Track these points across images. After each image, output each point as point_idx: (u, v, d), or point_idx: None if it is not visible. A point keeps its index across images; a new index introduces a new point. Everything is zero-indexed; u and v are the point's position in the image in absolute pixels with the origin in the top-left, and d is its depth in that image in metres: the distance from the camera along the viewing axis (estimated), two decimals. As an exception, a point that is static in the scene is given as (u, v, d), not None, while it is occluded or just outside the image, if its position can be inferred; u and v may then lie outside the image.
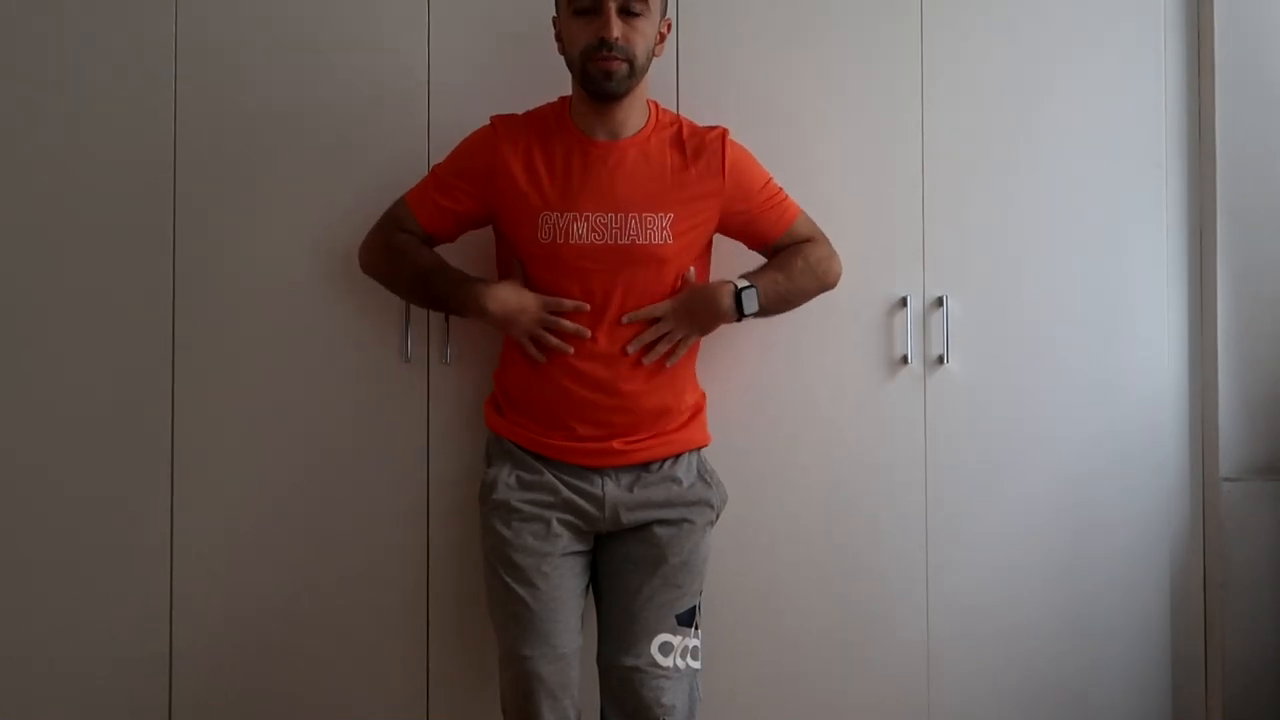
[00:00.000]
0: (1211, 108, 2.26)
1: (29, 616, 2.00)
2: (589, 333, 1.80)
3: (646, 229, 1.80)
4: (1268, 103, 2.28)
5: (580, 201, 1.79)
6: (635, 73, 1.77)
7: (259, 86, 2.04)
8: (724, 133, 1.88)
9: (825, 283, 1.96)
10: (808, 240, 1.94)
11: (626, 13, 1.74)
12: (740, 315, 1.85)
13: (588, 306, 1.80)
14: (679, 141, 1.86)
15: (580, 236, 1.79)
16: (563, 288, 1.81)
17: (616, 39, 1.73)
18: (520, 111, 1.90)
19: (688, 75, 2.09)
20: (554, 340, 1.80)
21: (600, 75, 1.75)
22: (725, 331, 1.95)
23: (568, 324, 1.79)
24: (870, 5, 2.16)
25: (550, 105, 1.89)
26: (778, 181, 1.94)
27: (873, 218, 2.13)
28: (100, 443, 2.01)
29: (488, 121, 1.88)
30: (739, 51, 2.13)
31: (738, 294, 1.83)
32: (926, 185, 2.16)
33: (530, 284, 1.84)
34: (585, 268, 1.80)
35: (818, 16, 2.15)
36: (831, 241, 1.99)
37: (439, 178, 1.88)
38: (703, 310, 1.84)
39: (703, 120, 1.92)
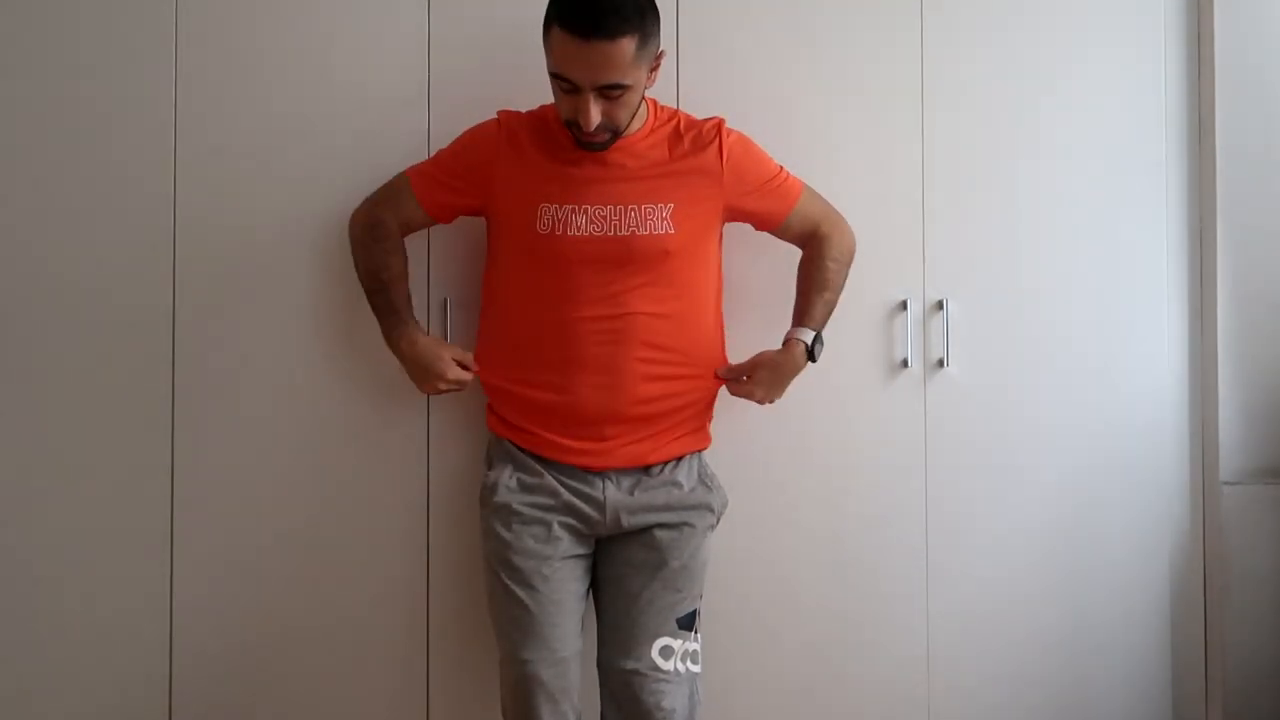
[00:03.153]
0: (1211, 108, 2.26)
1: (29, 623, 1.99)
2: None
3: (647, 220, 1.79)
4: (1268, 104, 2.28)
5: (580, 194, 1.79)
6: (620, 134, 1.77)
7: (259, 87, 2.04)
8: (720, 121, 1.88)
9: (852, 260, 2.00)
10: (819, 225, 1.94)
11: (606, 96, 1.70)
12: (814, 360, 1.93)
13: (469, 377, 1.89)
14: (676, 134, 1.86)
15: (580, 228, 1.79)
16: (561, 280, 1.80)
17: (595, 125, 1.70)
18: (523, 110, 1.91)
19: (688, 76, 2.09)
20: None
21: (584, 144, 1.76)
22: (725, 334, 1.96)
23: (466, 382, 1.89)
24: (870, 8, 2.15)
25: (550, 106, 1.88)
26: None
27: (873, 221, 2.12)
28: (100, 445, 2.00)
29: (495, 113, 1.88)
30: (739, 53, 2.12)
31: (810, 350, 1.90)
32: (926, 188, 2.16)
33: (526, 280, 1.84)
34: (584, 260, 1.79)
35: (817, 18, 2.14)
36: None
37: (442, 164, 1.89)
38: (787, 378, 1.93)
39: (702, 120, 1.92)
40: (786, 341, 1.91)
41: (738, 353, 1.95)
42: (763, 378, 1.90)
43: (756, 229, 1.95)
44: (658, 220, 1.80)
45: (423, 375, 1.88)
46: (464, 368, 1.89)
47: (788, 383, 1.93)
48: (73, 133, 2.00)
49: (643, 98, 1.80)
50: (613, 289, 1.80)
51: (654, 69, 1.78)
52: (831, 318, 1.97)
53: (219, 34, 2.03)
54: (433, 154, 1.95)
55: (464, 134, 1.90)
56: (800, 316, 1.93)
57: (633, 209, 1.79)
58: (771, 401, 1.94)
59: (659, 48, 1.77)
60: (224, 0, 2.03)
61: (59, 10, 2.01)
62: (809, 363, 1.91)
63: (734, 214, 1.90)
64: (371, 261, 1.90)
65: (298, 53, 2.04)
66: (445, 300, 2.02)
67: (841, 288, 1.97)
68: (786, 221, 1.93)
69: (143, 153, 2.01)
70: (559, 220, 1.79)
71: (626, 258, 1.80)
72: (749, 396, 1.92)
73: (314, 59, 2.05)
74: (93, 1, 2.01)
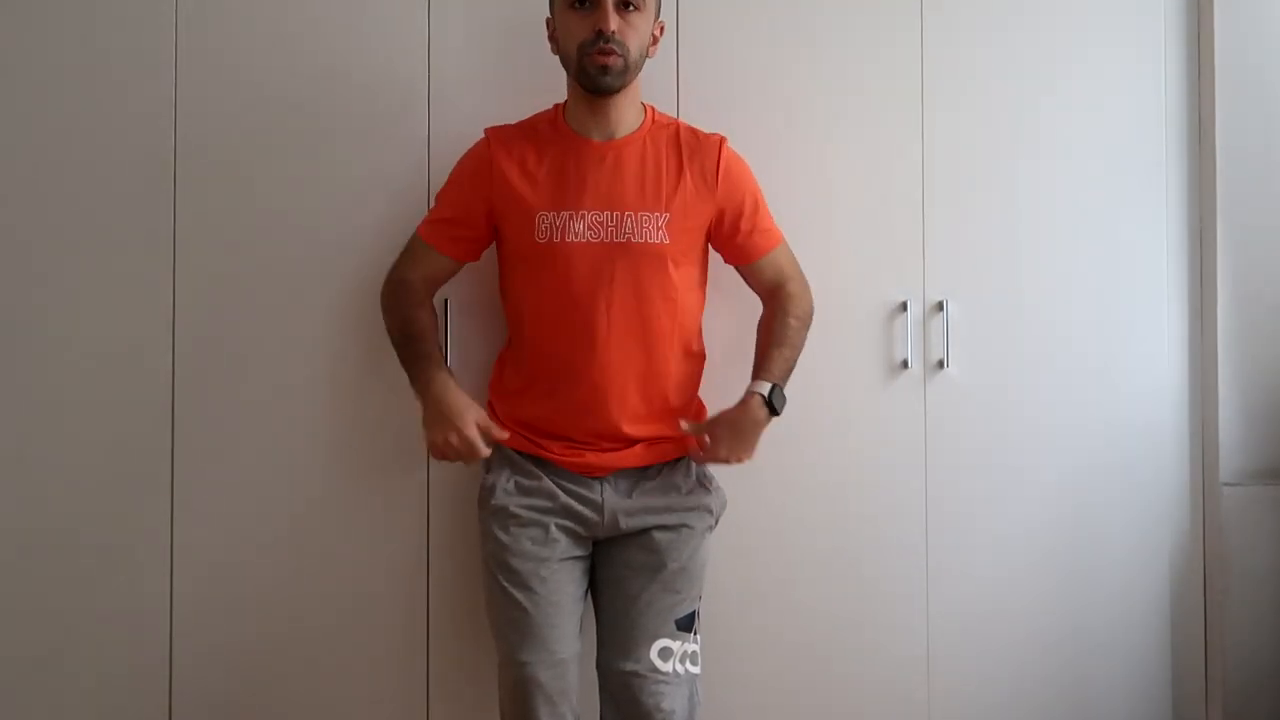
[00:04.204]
0: (1211, 109, 2.26)
1: (29, 625, 1.99)
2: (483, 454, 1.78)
3: (643, 227, 1.79)
4: (1268, 104, 2.28)
5: (577, 200, 1.79)
6: (630, 68, 1.77)
7: (259, 87, 2.03)
8: (722, 139, 1.88)
9: (809, 323, 1.95)
10: (787, 281, 1.92)
11: (624, 6, 1.75)
12: (777, 414, 1.84)
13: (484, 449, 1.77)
14: (676, 142, 1.86)
15: (578, 234, 1.78)
16: (560, 287, 1.80)
17: (614, 32, 1.73)
18: (518, 114, 1.91)
19: (688, 77, 2.09)
20: (453, 458, 1.79)
21: (596, 69, 1.75)
22: (726, 337, 1.96)
23: (481, 449, 1.77)
24: (870, 9, 2.15)
25: (544, 113, 1.89)
26: (778, 185, 1.94)
27: (873, 222, 2.13)
28: (100, 446, 2.00)
29: (483, 133, 1.88)
30: (739, 55, 2.12)
31: (769, 403, 1.82)
32: (926, 189, 2.16)
33: (528, 288, 1.84)
34: (584, 266, 1.79)
35: (818, 19, 2.14)
36: (831, 246, 2.02)
37: (443, 202, 1.88)
38: (749, 434, 1.82)
39: (702, 123, 1.91)
40: (744, 397, 1.84)
41: (718, 361, 1.95)
42: (722, 435, 1.82)
43: (726, 260, 1.93)
44: (653, 229, 1.80)
45: (439, 419, 1.77)
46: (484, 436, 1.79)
47: (753, 439, 1.83)
48: (72, 129, 2.00)
49: (648, 50, 1.82)
50: (612, 295, 1.79)
51: (655, 39, 1.83)
52: (832, 318, 1.96)
53: (218, 33, 2.03)
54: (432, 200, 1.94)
55: (456, 165, 1.89)
56: (758, 370, 1.88)
57: (629, 215, 1.79)
58: (740, 461, 1.83)
59: (660, 9, 1.85)
60: (223, 1, 2.03)
61: (59, 13, 2.01)
62: (772, 416, 1.84)
63: (717, 230, 1.88)
64: (398, 317, 1.86)
65: (297, 52, 2.04)
66: (445, 301, 2.02)
67: (801, 347, 1.91)
68: (761, 262, 1.91)
69: (143, 154, 2.01)
70: (557, 228, 1.79)
71: (625, 263, 1.79)
72: (714, 459, 1.84)
73: (314, 58, 2.04)
74: (93, 5, 2.01)
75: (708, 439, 1.83)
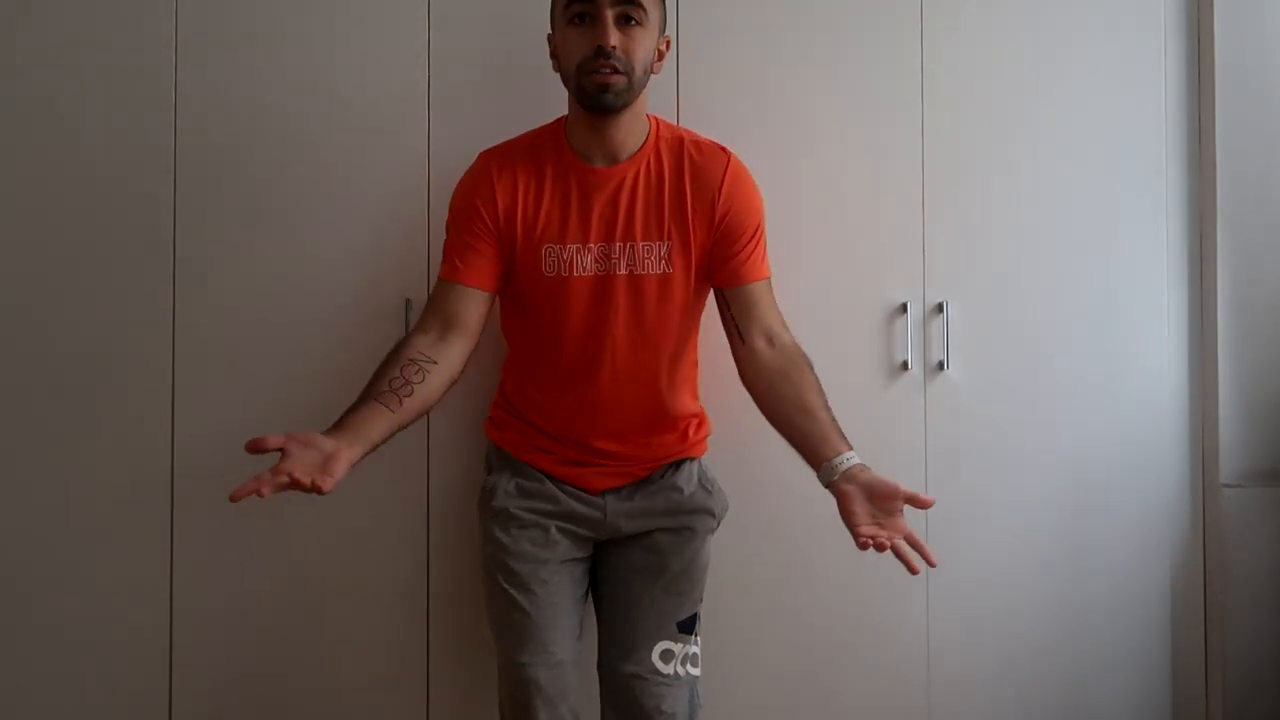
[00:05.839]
0: (1212, 112, 2.25)
1: (27, 643, 2.00)
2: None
3: (645, 259, 1.76)
4: (1268, 106, 2.27)
5: (581, 233, 1.75)
6: (633, 86, 1.70)
7: (260, 91, 2.04)
8: (729, 155, 1.80)
9: None
10: (775, 326, 1.77)
11: (625, 21, 1.68)
12: None
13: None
14: (679, 159, 1.78)
15: (584, 268, 1.75)
16: (567, 319, 1.77)
17: (614, 47, 1.66)
18: (518, 130, 1.86)
19: (688, 79, 2.08)
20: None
21: (596, 88, 1.68)
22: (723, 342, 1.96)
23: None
24: (870, 11, 2.15)
25: (546, 128, 1.83)
26: (778, 187, 1.94)
27: (873, 223, 2.13)
28: (100, 447, 2.00)
29: (479, 152, 1.83)
30: (738, 56, 2.11)
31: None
32: (926, 190, 2.16)
33: (534, 316, 1.81)
34: (588, 298, 1.76)
35: (817, 21, 2.14)
36: (831, 247, 2.03)
37: (451, 235, 1.79)
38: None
39: (702, 126, 1.90)
40: (855, 470, 1.64)
41: (719, 362, 1.90)
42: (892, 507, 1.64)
43: (712, 279, 1.82)
44: (655, 259, 1.76)
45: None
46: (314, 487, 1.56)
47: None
48: (72, 130, 2.00)
49: (652, 67, 1.75)
50: (617, 324, 1.77)
51: (660, 55, 1.76)
52: (832, 320, 1.96)
53: (218, 40, 2.03)
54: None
55: (455, 194, 1.81)
56: (836, 441, 1.68)
57: (631, 246, 1.76)
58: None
59: (665, 26, 1.78)
60: (224, 13, 2.03)
61: (59, 23, 2.01)
62: None
63: (714, 246, 1.79)
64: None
65: (298, 58, 2.04)
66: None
67: None
68: (743, 289, 1.77)
69: (144, 170, 2.01)
70: (564, 261, 1.75)
71: (629, 293, 1.76)
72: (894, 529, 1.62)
73: (314, 64, 2.04)
74: (93, 16, 2.01)
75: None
